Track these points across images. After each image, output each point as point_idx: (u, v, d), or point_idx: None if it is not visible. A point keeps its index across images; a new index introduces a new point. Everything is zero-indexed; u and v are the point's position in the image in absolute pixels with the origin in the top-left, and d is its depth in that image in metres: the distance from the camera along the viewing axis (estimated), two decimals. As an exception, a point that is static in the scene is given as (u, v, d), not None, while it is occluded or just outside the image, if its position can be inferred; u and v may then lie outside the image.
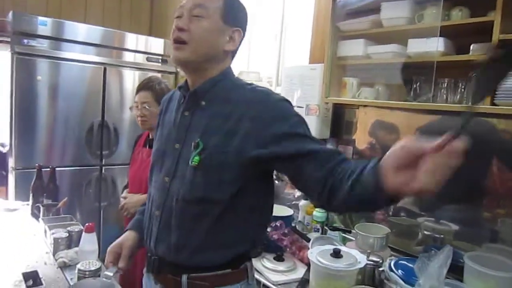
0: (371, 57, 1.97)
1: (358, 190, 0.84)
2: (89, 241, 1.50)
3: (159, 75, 3.14)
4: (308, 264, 1.71)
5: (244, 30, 1.15)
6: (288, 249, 1.95)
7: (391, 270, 1.59)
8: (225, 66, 1.15)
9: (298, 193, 2.44)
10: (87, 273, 1.29)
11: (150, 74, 3.28)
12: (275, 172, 1.20)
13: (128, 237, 1.23)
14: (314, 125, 2.22)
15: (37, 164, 2.14)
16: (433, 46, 1.66)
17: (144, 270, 1.25)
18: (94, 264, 1.33)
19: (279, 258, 1.82)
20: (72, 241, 1.63)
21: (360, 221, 2.11)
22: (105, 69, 3.16)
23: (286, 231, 2.01)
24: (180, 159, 1.11)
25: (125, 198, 2.00)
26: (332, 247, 1.57)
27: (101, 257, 1.48)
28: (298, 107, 2.28)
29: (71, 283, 1.37)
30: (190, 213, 1.08)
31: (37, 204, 2.01)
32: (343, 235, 2.07)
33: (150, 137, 2.05)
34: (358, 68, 2.08)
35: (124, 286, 1.37)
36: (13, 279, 1.36)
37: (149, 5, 4.11)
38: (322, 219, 2.15)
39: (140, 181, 1.96)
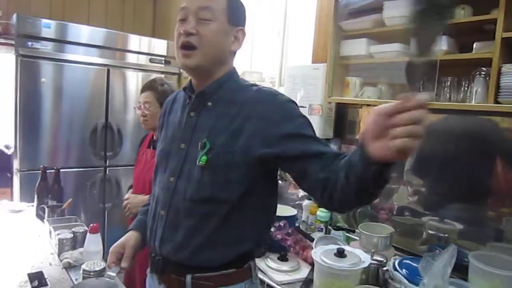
0: (373, 56, 1.97)
1: (351, 175, 0.86)
2: (93, 242, 1.50)
3: (162, 76, 3.15)
4: (312, 264, 1.70)
5: (244, 28, 1.16)
6: (292, 249, 1.95)
7: (395, 269, 1.59)
8: (229, 66, 1.16)
9: (301, 193, 2.44)
10: (91, 273, 1.30)
11: (153, 75, 3.28)
12: (278, 172, 1.20)
13: (130, 237, 1.23)
14: (317, 125, 2.22)
15: (41, 166, 2.15)
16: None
17: (148, 270, 1.26)
18: (99, 265, 1.34)
19: (283, 258, 1.82)
20: (76, 242, 1.64)
21: (364, 221, 2.11)
22: (108, 70, 3.17)
23: (289, 231, 2.01)
24: (186, 159, 1.11)
25: (127, 199, 2.02)
26: (336, 246, 1.56)
27: (106, 257, 1.49)
28: (301, 107, 2.26)
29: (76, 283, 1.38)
30: (197, 212, 1.08)
31: (42, 205, 2.02)
32: (347, 234, 2.07)
33: (155, 138, 2.06)
34: (360, 68, 2.07)
35: (128, 286, 1.38)
36: (19, 280, 1.37)
37: (152, 6, 4.12)
38: (326, 218, 2.15)
39: (144, 182, 1.98)
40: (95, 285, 1.14)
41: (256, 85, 1.15)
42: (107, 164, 3.26)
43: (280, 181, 2.44)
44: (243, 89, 1.13)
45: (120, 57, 3.29)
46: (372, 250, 1.70)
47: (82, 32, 3.07)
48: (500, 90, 1.45)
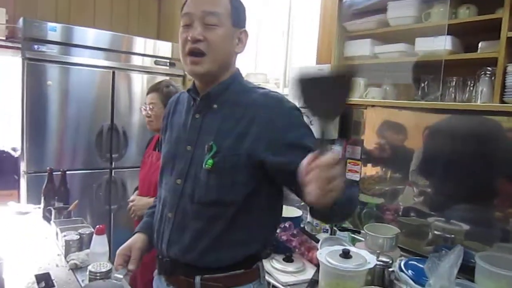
0: (378, 56, 1.96)
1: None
2: (99, 243, 1.51)
3: (167, 78, 3.16)
4: (317, 265, 1.70)
5: (245, 28, 1.16)
6: (297, 250, 1.95)
7: (401, 270, 1.59)
8: (234, 68, 1.17)
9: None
10: (98, 274, 1.30)
11: (158, 77, 3.31)
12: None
13: (137, 239, 1.23)
14: (322, 126, 2.21)
15: (48, 168, 2.16)
16: (440, 45, 1.65)
17: (155, 272, 1.26)
18: (105, 266, 1.35)
19: (288, 259, 1.82)
20: (83, 243, 1.65)
21: (369, 222, 2.10)
22: (113, 73, 3.19)
23: (295, 232, 2.01)
24: (192, 161, 1.11)
25: (132, 201, 2.03)
26: (341, 247, 1.56)
27: (112, 259, 1.50)
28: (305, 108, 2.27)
29: (83, 285, 1.38)
30: (205, 215, 1.09)
31: (49, 207, 2.03)
32: (352, 235, 2.06)
33: (160, 140, 2.07)
34: (365, 68, 2.07)
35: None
36: (26, 281, 1.38)
37: (157, 9, 4.14)
38: (331, 219, 2.15)
39: (150, 184, 1.98)
40: (102, 287, 1.14)
41: (263, 88, 1.16)
42: (113, 166, 3.27)
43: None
44: (248, 91, 1.13)
45: (125, 60, 3.31)
46: (378, 251, 1.69)
47: (87, 35, 3.10)
48: (505, 90, 1.45)
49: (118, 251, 1.20)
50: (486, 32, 1.54)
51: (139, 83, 3.35)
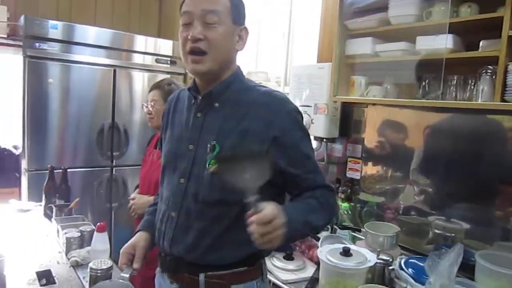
0: (379, 55, 1.96)
1: None
2: (100, 241, 1.52)
3: (168, 76, 3.17)
4: (317, 263, 1.71)
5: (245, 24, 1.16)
6: (297, 248, 1.95)
7: (401, 268, 1.59)
8: (235, 66, 1.17)
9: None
10: (99, 271, 1.31)
11: (159, 75, 3.31)
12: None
13: (140, 238, 1.23)
14: (323, 124, 2.22)
15: (49, 166, 2.17)
16: (441, 43, 1.64)
17: (157, 270, 1.26)
18: (106, 263, 1.35)
19: (288, 257, 1.82)
20: (84, 240, 1.65)
21: (370, 220, 2.11)
22: (114, 71, 3.19)
23: (295, 230, 2.01)
24: (195, 161, 1.12)
25: (133, 199, 2.03)
26: (342, 245, 1.56)
27: (113, 257, 1.50)
28: (306, 106, 2.28)
29: (84, 282, 1.39)
30: (209, 215, 1.09)
31: (50, 205, 2.04)
32: (353, 234, 2.07)
33: (161, 138, 2.08)
34: (366, 67, 2.07)
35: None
36: (27, 278, 1.39)
37: (158, 7, 4.14)
38: (332, 218, 2.15)
39: (150, 182, 1.99)
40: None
41: (264, 86, 1.16)
42: (114, 164, 3.28)
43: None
44: (250, 89, 1.13)
45: (126, 58, 3.31)
46: (378, 249, 1.70)
47: (88, 33, 3.10)
48: (506, 89, 1.44)
49: (122, 250, 1.19)
50: (487, 30, 1.54)
51: (140, 81, 3.35)
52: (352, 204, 2.24)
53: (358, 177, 2.23)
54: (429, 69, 1.76)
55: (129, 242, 1.22)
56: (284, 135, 1.06)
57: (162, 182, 1.24)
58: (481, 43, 1.57)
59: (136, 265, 1.16)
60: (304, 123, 1.22)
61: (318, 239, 1.93)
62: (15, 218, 2.08)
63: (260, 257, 1.18)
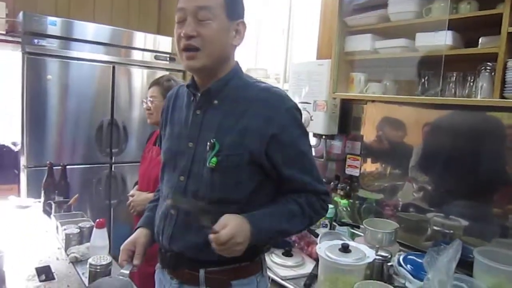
0: (378, 52, 1.96)
1: None
2: (100, 237, 1.52)
3: (167, 73, 3.16)
4: (316, 259, 1.71)
5: (244, 19, 1.13)
6: (296, 245, 1.96)
7: (400, 265, 1.59)
8: (233, 62, 1.16)
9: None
10: (98, 267, 1.31)
11: (159, 72, 3.31)
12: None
13: (140, 234, 1.23)
14: (322, 121, 2.22)
15: (48, 162, 2.17)
16: (441, 40, 1.64)
17: (157, 265, 1.26)
18: (105, 259, 1.35)
19: (287, 254, 1.83)
20: (83, 236, 1.65)
21: (368, 217, 2.11)
22: (114, 67, 3.18)
23: (294, 226, 2.01)
24: (194, 158, 1.12)
25: (132, 196, 2.03)
26: (341, 242, 1.57)
27: (112, 253, 1.51)
28: (306, 103, 2.28)
29: (83, 278, 1.39)
30: (209, 212, 1.09)
31: (49, 201, 2.04)
32: (352, 230, 2.07)
33: (160, 135, 2.08)
34: (365, 63, 2.07)
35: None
36: (27, 274, 1.39)
37: (157, 3, 4.13)
38: (330, 214, 2.15)
39: (149, 179, 1.99)
40: (109, 284, 1.14)
41: (263, 82, 1.16)
42: (113, 161, 3.28)
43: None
44: (249, 86, 1.13)
45: (126, 54, 3.31)
46: (377, 246, 1.70)
47: (87, 29, 3.09)
48: (505, 85, 1.44)
49: (122, 247, 1.20)
50: (486, 27, 1.54)
51: (139, 78, 3.34)
52: (351, 201, 2.24)
53: (357, 174, 2.24)
54: (429, 65, 1.76)
55: (129, 239, 1.22)
56: (282, 132, 1.06)
57: (162, 179, 1.24)
58: (480, 40, 1.57)
59: (136, 261, 1.16)
60: (303, 120, 1.22)
61: (317, 235, 1.94)
62: (14, 214, 2.08)
63: (260, 252, 1.19)
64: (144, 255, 1.20)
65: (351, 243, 1.60)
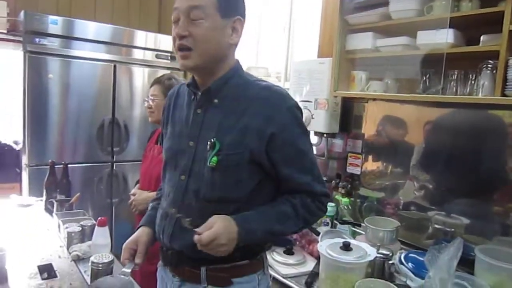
0: (380, 50, 1.96)
1: None
2: (101, 235, 1.52)
3: (168, 72, 3.16)
4: (317, 258, 1.71)
5: (243, 15, 1.11)
6: (297, 243, 1.96)
7: (401, 263, 1.59)
8: (233, 60, 1.15)
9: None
10: (100, 265, 1.31)
11: (160, 71, 3.31)
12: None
13: (142, 233, 1.23)
14: (323, 120, 2.22)
15: (50, 161, 2.17)
16: (442, 38, 1.64)
17: (159, 263, 1.27)
18: (107, 257, 1.35)
19: (289, 252, 1.83)
20: (85, 235, 1.66)
21: (370, 215, 2.11)
22: (115, 66, 3.18)
23: (295, 225, 2.01)
24: (195, 157, 1.12)
25: (133, 194, 2.04)
26: (342, 240, 1.57)
27: (114, 251, 1.51)
28: (307, 101, 2.28)
29: (85, 275, 1.40)
30: (209, 211, 1.08)
31: (51, 200, 2.05)
32: (353, 228, 2.07)
33: (162, 134, 2.08)
34: (366, 62, 2.06)
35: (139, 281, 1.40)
36: (29, 272, 1.39)
37: (158, 2, 4.12)
38: (332, 213, 2.15)
39: (150, 178, 1.99)
40: (111, 283, 1.14)
41: (264, 81, 1.15)
42: (114, 159, 3.28)
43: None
44: (250, 84, 1.13)
45: (127, 53, 3.31)
46: (378, 244, 1.70)
47: (88, 28, 3.09)
48: (507, 83, 1.44)
49: (124, 245, 1.20)
50: (488, 25, 1.54)
51: (140, 76, 3.35)
52: (352, 199, 2.25)
53: (359, 172, 2.24)
54: (430, 64, 1.76)
55: (131, 238, 1.22)
56: (283, 131, 1.06)
57: (164, 177, 1.24)
58: (481, 38, 1.57)
59: (138, 260, 1.17)
60: (304, 118, 1.22)
61: (318, 233, 1.94)
62: (16, 213, 2.09)
63: (261, 250, 1.19)
64: (146, 254, 1.20)
65: (352, 241, 1.60)
